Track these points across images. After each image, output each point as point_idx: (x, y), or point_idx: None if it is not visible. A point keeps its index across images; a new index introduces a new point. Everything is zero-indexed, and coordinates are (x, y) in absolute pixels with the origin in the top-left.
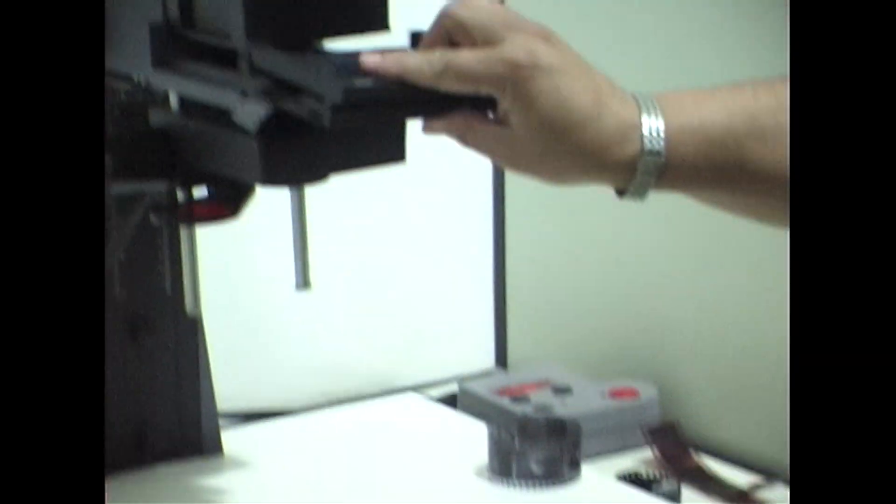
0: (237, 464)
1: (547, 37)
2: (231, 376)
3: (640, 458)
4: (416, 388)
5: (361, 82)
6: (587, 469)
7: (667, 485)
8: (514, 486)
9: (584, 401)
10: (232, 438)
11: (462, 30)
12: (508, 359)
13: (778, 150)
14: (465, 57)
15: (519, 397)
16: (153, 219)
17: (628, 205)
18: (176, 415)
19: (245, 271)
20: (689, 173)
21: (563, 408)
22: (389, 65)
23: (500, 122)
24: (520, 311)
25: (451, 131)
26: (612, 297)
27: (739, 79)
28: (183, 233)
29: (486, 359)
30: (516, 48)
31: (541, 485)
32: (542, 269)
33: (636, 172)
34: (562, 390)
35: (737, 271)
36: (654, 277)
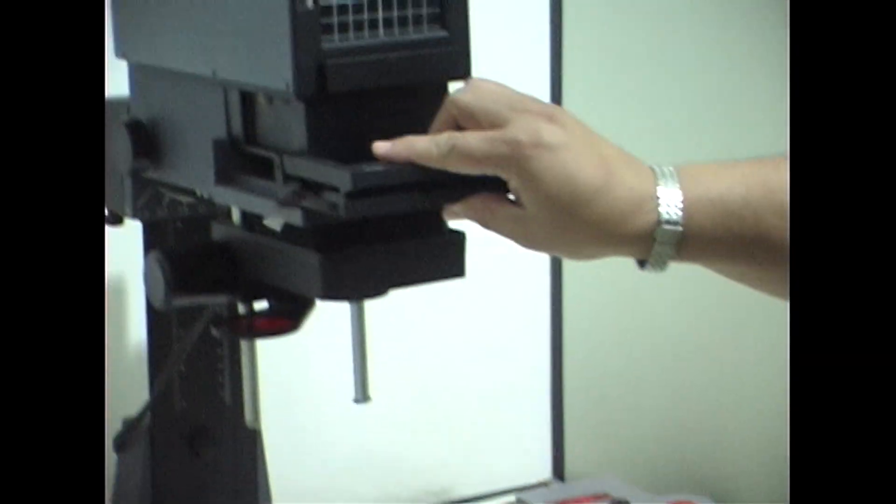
0: None
1: (552, 116)
2: (289, 486)
3: None
4: (474, 500)
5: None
6: None
7: None
8: None
9: None
10: None
11: (468, 115)
12: (565, 470)
13: None
14: (470, 138)
15: None
16: (214, 331)
17: (689, 317)
18: None
19: (303, 382)
20: (709, 244)
21: None
22: (399, 150)
23: (515, 202)
24: (577, 422)
25: (470, 215)
26: (671, 410)
27: (762, 150)
28: (243, 345)
29: (543, 470)
30: (519, 128)
31: None
32: (600, 381)
33: (654, 243)
34: None
35: None
36: (714, 392)
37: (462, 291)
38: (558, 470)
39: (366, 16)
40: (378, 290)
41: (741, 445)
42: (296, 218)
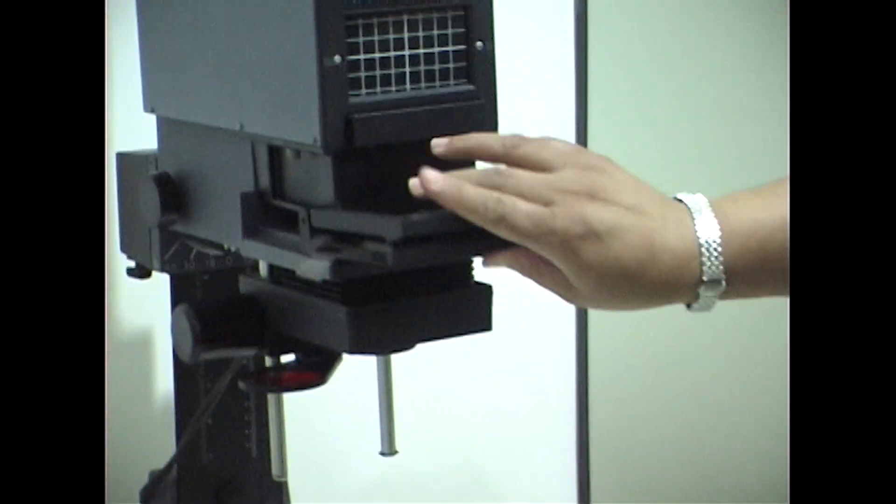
0: None
1: (594, 190)
2: None
3: None
4: None
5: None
6: None
7: None
8: None
9: None
10: None
11: (521, 160)
12: None
13: None
14: (521, 214)
15: None
16: (241, 385)
17: (716, 354)
18: None
19: (329, 435)
20: (752, 287)
21: None
22: (448, 194)
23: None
24: (602, 478)
25: (514, 266)
26: (695, 450)
27: None
28: (270, 398)
29: None
30: (566, 215)
31: None
32: (625, 426)
33: (699, 297)
34: None
35: None
36: (735, 437)
37: (485, 342)
38: None
39: (392, 70)
40: (405, 344)
41: (767, 492)
42: (328, 272)
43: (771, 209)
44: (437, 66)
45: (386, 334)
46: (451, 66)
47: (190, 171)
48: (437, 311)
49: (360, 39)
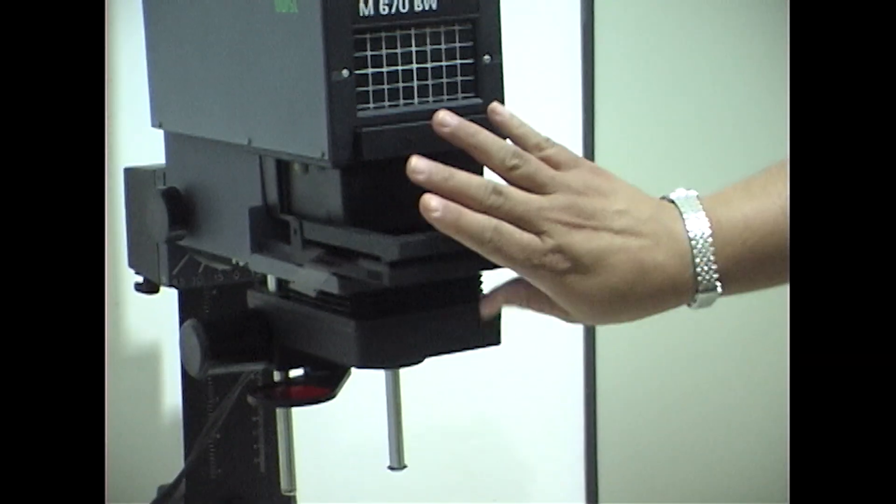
0: None
1: (583, 214)
2: None
3: None
4: None
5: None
6: None
7: None
8: None
9: None
10: None
11: (528, 178)
12: None
13: None
14: (516, 248)
15: None
16: (250, 399)
17: (722, 383)
18: None
19: (338, 449)
20: (748, 283)
21: None
22: (448, 222)
23: None
24: (611, 488)
25: (510, 303)
26: (704, 460)
27: None
28: (279, 413)
29: None
30: (554, 249)
31: None
32: (633, 440)
33: (695, 301)
34: None
35: None
36: (742, 448)
37: (494, 355)
38: None
39: (400, 84)
40: (414, 358)
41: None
42: (332, 285)
43: (763, 212)
44: (444, 80)
45: (394, 348)
46: (458, 79)
47: (198, 186)
48: (446, 326)
49: (368, 53)
